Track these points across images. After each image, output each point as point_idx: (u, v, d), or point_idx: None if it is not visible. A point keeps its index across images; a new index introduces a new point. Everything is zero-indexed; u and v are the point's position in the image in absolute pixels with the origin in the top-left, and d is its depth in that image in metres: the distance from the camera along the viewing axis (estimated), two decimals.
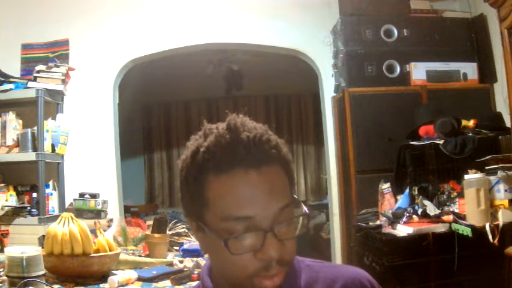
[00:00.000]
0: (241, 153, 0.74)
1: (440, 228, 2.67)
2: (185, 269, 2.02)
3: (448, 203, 2.88)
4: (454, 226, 2.63)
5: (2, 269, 1.80)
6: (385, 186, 3.18)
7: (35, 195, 3.25)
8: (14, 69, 3.60)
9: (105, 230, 2.42)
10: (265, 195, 0.74)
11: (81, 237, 1.79)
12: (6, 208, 3.13)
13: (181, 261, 2.18)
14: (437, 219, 2.75)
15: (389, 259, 2.64)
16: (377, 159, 3.37)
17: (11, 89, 3.34)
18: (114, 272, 1.88)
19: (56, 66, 3.45)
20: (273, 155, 0.77)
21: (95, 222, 2.05)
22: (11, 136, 3.34)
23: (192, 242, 2.56)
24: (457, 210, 2.77)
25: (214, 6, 3.85)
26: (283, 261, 0.76)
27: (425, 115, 3.24)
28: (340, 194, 3.76)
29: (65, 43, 3.71)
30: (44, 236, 2.00)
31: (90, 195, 3.47)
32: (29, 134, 3.28)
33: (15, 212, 3.18)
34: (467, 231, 2.51)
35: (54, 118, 3.49)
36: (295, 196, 0.80)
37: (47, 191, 3.35)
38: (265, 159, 0.75)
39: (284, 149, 0.80)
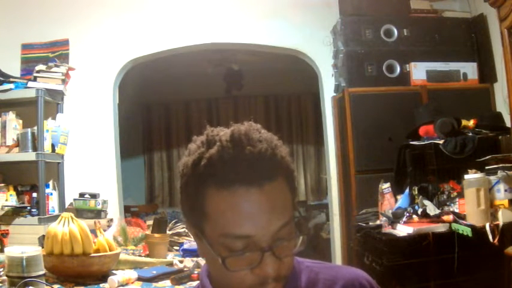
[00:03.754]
0: (244, 170, 0.72)
1: (440, 228, 2.67)
2: (185, 269, 2.02)
3: (448, 203, 2.88)
4: (454, 226, 2.63)
5: (2, 269, 1.80)
6: (385, 186, 3.18)
7: (35, 195, 3.25)
8: (14, 69, 3.60)
9: (105, 230, 2.42)
10: (266, 214, 0.73)
11: (81, 237, 1.79)
12: (6, 208, 3.13)
13: (181, 261, 2.18)
14: (437, 219, 2.75)
15: (389, 259, 2.64)
16: (377, 159, 3.37)
17: (11, 89, 3.34)
18: (114, 272, 1.88)
19: (56, 66, 3.45)
20: (277, 170, 0.75)
21: (95, 222, 2.05)
22: (11, 136, 3.33)
23: (192, 242, 2.56)
24: (457, 210, 2.77)
25: (214, 7, 3.85)
26: (280, 277, 0.75)
27: (425, 115, 3.24)
28: (340, 194, 3.75)
29: (65, 43, 3.71)
30: (44, 236, 2.00)
31: (90, 195, 3.47)
32: (29, 134, 3.28)
33: (15, 212, 3.18)
34: (467, 231, 2.51)
35: (54, 118, 3.49)
36: (296, 208, 0.79)
37: (47, 191, 3.35)
38: (268, 176, 0.73)
39: (288, 161, 0.78)
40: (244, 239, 0.73)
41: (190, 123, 6.69)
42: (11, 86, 3.35)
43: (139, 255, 2.33)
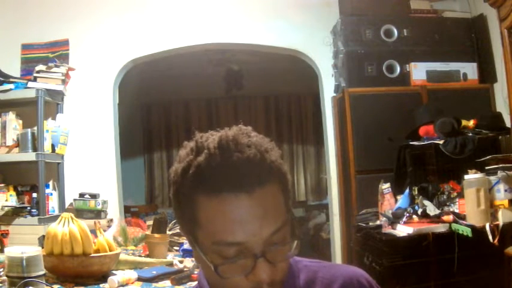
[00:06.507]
0: (232, 177, 0.71)
1: (440, 228, 2.67)
2: (185, 269, 2.02)
3: (448, 203, 2.88)
4: (454, 226, 2.63)
5: (2, 269, 1.80)
6: (385, 186, 3.17)
7: (35, 195, 3.25)
8: (14, 69, 3.60)
9: (105, 230, 2.41)
10: (257, 220, 0.72)
11: (81, 237, 1.79)
12: (6, 208, 3.13)
13: (181, 261, 2.18)
14: (437, 219, 2.75)
15: (389, 259, 2.64)
16: (377, 159, 3.37)
17: (11, 89, 3.34)
18: (114, 272, 1.87)
19: (56, 66, 3.45)
20: (267, 174, 0.73)
21: (95, 222, 2.04)
22: (11, 136, 3.34)
23: None
24: (457, 210, 2.77)
25: (214, 7, 3.85)
26: (274, 282, 0.75)
27: (425, 115, 3.24)
28: (340, 194, 3.76)
29: (65, 43, 3.71)
30: (44, 236, 2.00)
31: (90, 195, 3.47)
32: (29, 134, 3.28)
33: (15, 212, 3.18)
34: (467, 231, 2.51)
35: (54, 118, 3.49)
36: (291, 211, 0.78)
37: (47, 191, 3.35)
38: (258, 181, 0.72)
39: (280, 164, 0.76)
40: (236, 245, 0.72)
41: (190, 123, 6.69)
42: (11, 86, 3.35)
43: (139, 256, 2.33)
